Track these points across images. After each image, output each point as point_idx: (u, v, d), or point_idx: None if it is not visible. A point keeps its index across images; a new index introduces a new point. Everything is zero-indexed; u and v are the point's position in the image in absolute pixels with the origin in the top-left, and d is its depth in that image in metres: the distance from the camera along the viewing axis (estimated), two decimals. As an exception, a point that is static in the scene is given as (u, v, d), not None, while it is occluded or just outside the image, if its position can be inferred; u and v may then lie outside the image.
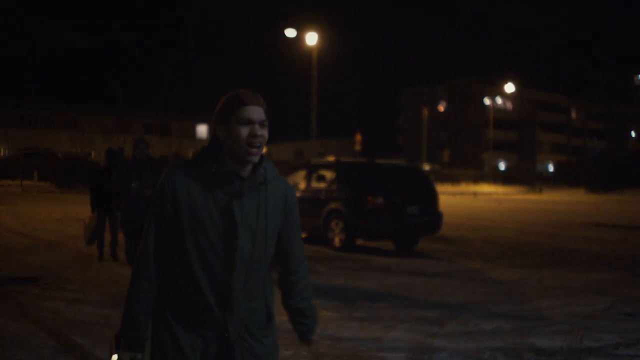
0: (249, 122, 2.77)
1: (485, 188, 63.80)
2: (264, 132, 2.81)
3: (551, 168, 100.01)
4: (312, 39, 40.26)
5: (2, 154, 65.40)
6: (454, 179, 67.40)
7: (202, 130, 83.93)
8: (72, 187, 38.68)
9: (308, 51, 41.06)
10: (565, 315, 8.43)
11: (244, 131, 2.75)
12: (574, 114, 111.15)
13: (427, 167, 68.03)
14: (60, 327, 7.19)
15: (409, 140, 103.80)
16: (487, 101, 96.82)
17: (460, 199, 44.03)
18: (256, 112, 2.79)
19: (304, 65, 45.32)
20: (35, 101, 76.75)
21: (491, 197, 48.77)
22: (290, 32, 40.88)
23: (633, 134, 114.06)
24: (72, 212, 22.57)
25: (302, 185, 15.96)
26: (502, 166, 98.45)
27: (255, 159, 2.81)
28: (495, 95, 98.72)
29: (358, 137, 47.23)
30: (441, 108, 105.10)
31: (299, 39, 41.13)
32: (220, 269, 2.79)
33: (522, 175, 75.48)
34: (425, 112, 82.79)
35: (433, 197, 15.63)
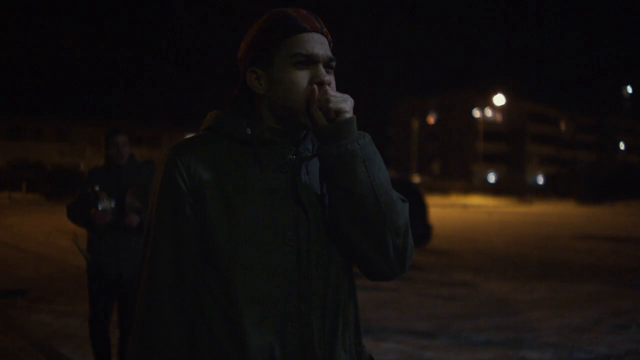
0: (310, 59, 1.79)
1: (475, 200, 63.88)
2: (332, 80, 1.84)
3: (541, 180, 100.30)
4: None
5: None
6: (443, 191, 67.50)
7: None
8: (61, 198, 38.55)
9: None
10: (555, 327, 8.43)
11: (285, 74, 1.79)
12: (563, 126, 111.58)
13: (417, 178, 68.12)
14: (49, 340, 7.14)
15: (399, 151, 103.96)
16: (476, 113, 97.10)
17: (451, 211, 44.06)
18: (320, 44, 1.81)
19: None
20: (24, 112, 76.59)
21: (481, 209, 48.83)
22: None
23: (622, 145, 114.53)
24: (62, 224, 22.46)
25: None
26: (491, 178, 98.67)
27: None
28: (485, 107, 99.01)
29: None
30: (431, 120, 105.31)
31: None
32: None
33: (512, 187, 75.69)
34: (415, 123, 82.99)
35: (423, 209, 15.64)
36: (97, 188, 5.39)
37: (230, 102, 1.91)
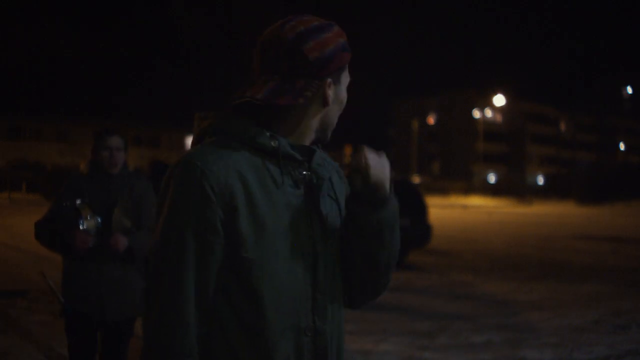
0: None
1: (475, 200, 63.87)
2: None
3: (541, 180, 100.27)
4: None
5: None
6: (443, 191, 67.48)
7: (191, 142, 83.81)
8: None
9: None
10: (555, 327, 8.43)
11: (344, 95, 1.90)
12: (563, 126, 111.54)
13: (416, 179, 68.10)
14: (49, 340, 7.14)
15: (399, 152, 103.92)
16: (476, 113, 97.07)
17: (450, 211, 44.05)
18: None
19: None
20: (24, 112, 76.56)
21: (481, 210, 48.84)
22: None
23: (622, 146, 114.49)
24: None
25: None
26: (491, 178, 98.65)
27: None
28: (485, 107, 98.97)
29: (348, 150, 47.24)
30: (431, 120, 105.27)
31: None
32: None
33: (512, 187, 75.66)
34: (415, 124, 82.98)
35: (423, 209, 15.63)
36: (78, 202, 4.29)
37: (236, 102, 1.80)
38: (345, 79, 1.87)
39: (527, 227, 29.22)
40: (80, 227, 4.15)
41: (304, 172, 1.81)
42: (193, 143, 1.89)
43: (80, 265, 4.30)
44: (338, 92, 1.83)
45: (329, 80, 1.79)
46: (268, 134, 1.75)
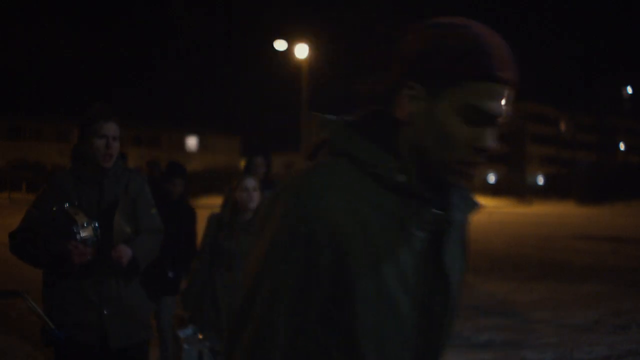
0: (486, 120, 1.40)
1: (475, 200, 63.81)
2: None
3: (541, 180, 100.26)
4: (302, 51, 40.30)
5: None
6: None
7: (191, 142, 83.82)
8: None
9: (298, 63, 41.12)
10: (555, 327, 8.43)
11: (467, 133, 1.41)
12: (563, 126, 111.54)
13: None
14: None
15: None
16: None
17: (450, 211, 44.00)
18: (506, 102, 1.42)
19: (294, 77, 45.24)
20: (24, 112, 76.56)
21: (481, 210, 48.76)
22: (280, 45, 40.97)
23: (622, 146, 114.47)
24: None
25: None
26: (491, 178, 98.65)
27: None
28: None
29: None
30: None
31: (289, 51, 41.20)
32: None
33: (512, 187, 75.63)
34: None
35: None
36: (67, 206, 3.49)
37: (363, 111, 1.49)
38: (455, 100, 1.39)
39: (527, 227, 29.21)
40: (78, 238, 3.39)
41: (435, 212, 1.46)
42: (306, 156, 1.59)
43: (73, 284, 3.49)
44: (435, 110, 1.40)
45: (411, 82, 1.42)
46: (397, 165, 1.42)
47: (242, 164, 7.18)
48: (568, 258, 16.72)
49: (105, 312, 3.50)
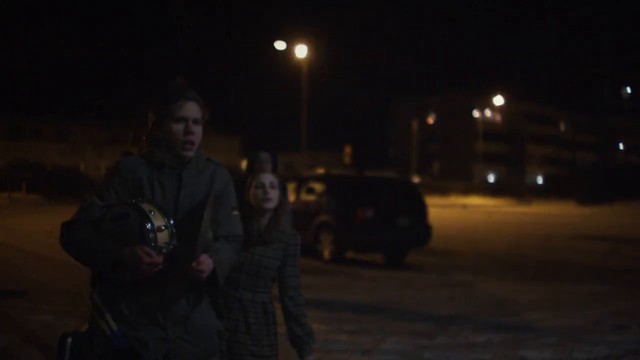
0: None
1: (475, 200, 63.90)
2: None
3: (540, 180, 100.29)
4: (302, 51, 40.34)
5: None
6: (443, 191, 67.48)
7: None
8: (61, 199, 38.52)
9: (298, 63, 41.15)
10: (555, 327, 8.43)
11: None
12: (563, 126, 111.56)
13: (416, 179, 68.12)
14: (49, 340, 7.14)
15: (399, 152, 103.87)
16: (476, 113, 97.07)
17: (450, 211, 44.06)
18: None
19: (294, 77, 45.24)
20: (24, 112, 76.49)
21: (481, 210, 48.84)
22: (280, 45, 41.00)
23: (622, 146, 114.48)
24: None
25: (292, 197, 15.97)
26: (491, 178, 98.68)
27: None
28: (485, 108, 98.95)
29: (348, 150, 47.26)
30: (431, 120, 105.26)
31: (289, 51, 41.22)
32: None
33: (512, 187, 75.68)
34: (415, 124, 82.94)
35: (422, 209, 15.65)
36: (140, 201, 2.89)
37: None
38: None
39: (527, 227, 29.23)
40: (152, 243, 2.79)
41: None
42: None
43: (134, 294, 2.94)
44: None
45: None
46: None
47: (244, 163, 6.89)
48: (568, 258, 16.73)
49: (170, 334, 2.96)
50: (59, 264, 13.13)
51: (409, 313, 9.32)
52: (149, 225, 2.78)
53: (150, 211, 2.82)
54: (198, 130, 3.07)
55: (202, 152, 3.18)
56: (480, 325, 8.46)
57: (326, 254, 14.89)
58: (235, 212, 3.30)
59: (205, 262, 2.87)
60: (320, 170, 16.40)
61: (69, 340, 3.00)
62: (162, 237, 2.81)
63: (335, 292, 10.65)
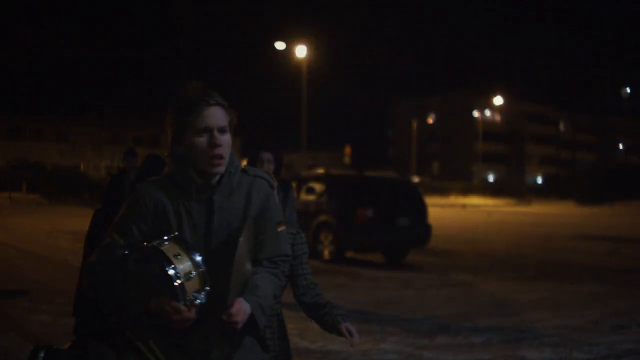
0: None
1: (475, 200, 63.91)
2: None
3: (540, 180, 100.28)
4: (301, 51, 40.34)
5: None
6: (443, 191, 67.52)
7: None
8: (62, 199, 38.51)
9: (298, 63, 41.15)
10: (555, 327, 8.43)
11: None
12: (562, 126, 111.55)
13: (416, 179, 68.14)
14: (49, 340, 7.14)
15: (399, 152, 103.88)
16: (475, 113, 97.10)
17: (450, 211, 44.05)
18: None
19: (294, 77, 45.20)
20: (24, 112, 76.48)
21: (480, 209, 48.83)
22: (280, 45, 41.01)
23: (621, 146, 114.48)
24: (62, 224, 22.46)
25: (293, 197, 15.97)
26: (491, 178, 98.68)
27: None
28: (484, 108, 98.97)
29: (347, 150, 47.26)
30: (430, 120, 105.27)
31: (289, 51, 41.23)
32: None
33: (512, 187, 75.68)
34: (415, 124, 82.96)
35: (422, 209, 15.65)
36: (165, 240, 2.41)
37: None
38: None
39: (527, 227, 29.22)
40: (180, 298, 2.33)
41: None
42: None
43: (168, 341, 2.50)
44: None
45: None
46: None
47: (244, 163, 6.31)
48: (568, 258, 16.73)
49: None
50: (59, 264, 13.13)
51: (408, 313, 9.32)
52: (173, 272, 2.32)
53: (176, 254, 2.35)
54: (226, 140, 2.51)
55: (238, 164, 2.62)
56: (480, 325, 8.46)
57: (326, 253, 14.89)
58: (281, 228, 2.76)
59: (240, 312, 2.40)
60: (320, 170, 16.44)
61: (41, 355, 2.79)
62: (192, 285, 2.35)
63: (335, 292, 10.64)
